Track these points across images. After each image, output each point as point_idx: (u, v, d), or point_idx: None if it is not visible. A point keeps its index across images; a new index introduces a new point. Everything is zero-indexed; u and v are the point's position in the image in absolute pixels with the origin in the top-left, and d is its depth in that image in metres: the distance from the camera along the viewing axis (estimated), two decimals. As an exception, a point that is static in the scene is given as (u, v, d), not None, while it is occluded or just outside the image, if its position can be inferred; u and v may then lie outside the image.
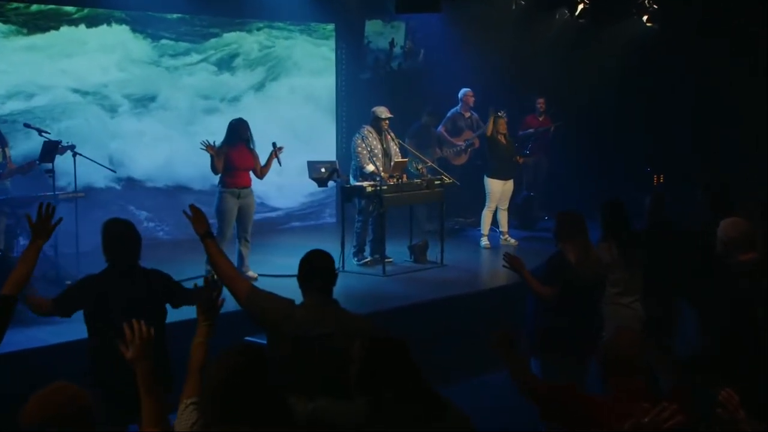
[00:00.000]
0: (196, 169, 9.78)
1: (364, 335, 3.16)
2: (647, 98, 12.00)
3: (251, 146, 8.00)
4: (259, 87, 10.87)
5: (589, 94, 11.90)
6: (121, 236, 4.30)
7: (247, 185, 8.00)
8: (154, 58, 9.91)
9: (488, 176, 9.93)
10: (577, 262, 5.10)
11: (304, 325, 3.67)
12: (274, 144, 8.06)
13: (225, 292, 3.59)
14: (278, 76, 11.02)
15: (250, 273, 7.92)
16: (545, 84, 11.83)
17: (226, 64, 10.54)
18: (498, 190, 9.90)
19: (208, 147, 7.74)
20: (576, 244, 5.14)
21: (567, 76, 11.90)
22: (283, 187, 10.83)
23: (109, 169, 8.79)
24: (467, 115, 10.91)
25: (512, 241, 10.05)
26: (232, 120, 8.08)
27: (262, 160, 8.08)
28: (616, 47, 11.99)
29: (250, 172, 8.02)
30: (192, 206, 4.01)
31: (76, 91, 9.36)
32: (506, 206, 10.04)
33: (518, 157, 10.08)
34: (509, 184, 10.01)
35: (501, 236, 10.09)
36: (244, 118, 8.10)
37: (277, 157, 8.02)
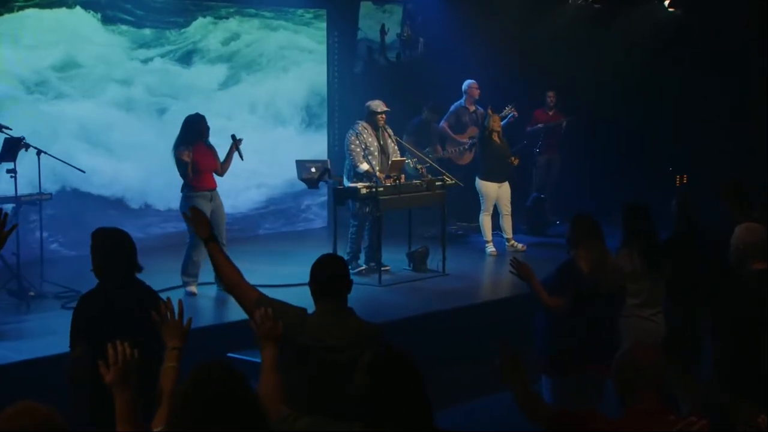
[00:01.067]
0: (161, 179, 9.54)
1: (375, 346, 3.17)
2: (668, 91, 11.98)
3: (208, 142, 7.95)
4: (230, 81, 10.76)
5: (603, 86, 11.88)
6: (115, 247, 4.24)
7: (215, 187, 7.96)
8: (111, 46, 9.76)
9: (480, 178, 9.92)
10: (590, 270, 5.10)
11: (314, 334, 3.71)
12: (233, 136, 7.99)
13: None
14: (251, 68, 10.95)
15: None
16: (556, 75, 11.84)
17: (192, 56, 10.39)
18: (492, 193, 9.89)
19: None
20: (590, 250, 5.13)
21: (579, 66, 11.89)
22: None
23: (78, 169, 8.74)
24: (472, 109, 10.91)
25: (519, 246, 10.05)
26: (190, 116, 7.97)
27: (221, 156, 8.01)
28: (634, 35, 11.99)
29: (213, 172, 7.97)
30: (192, 208, 4.17)
31: (21, 83, 9.19)
32: (508, 211, 10.01)
33: (512, 159, 9.99)
34: (505, 187, 9.97)
35: (506, 242, 10.09)
36: (201, 113, 7.98)
37: (237, 149, 7.96)
